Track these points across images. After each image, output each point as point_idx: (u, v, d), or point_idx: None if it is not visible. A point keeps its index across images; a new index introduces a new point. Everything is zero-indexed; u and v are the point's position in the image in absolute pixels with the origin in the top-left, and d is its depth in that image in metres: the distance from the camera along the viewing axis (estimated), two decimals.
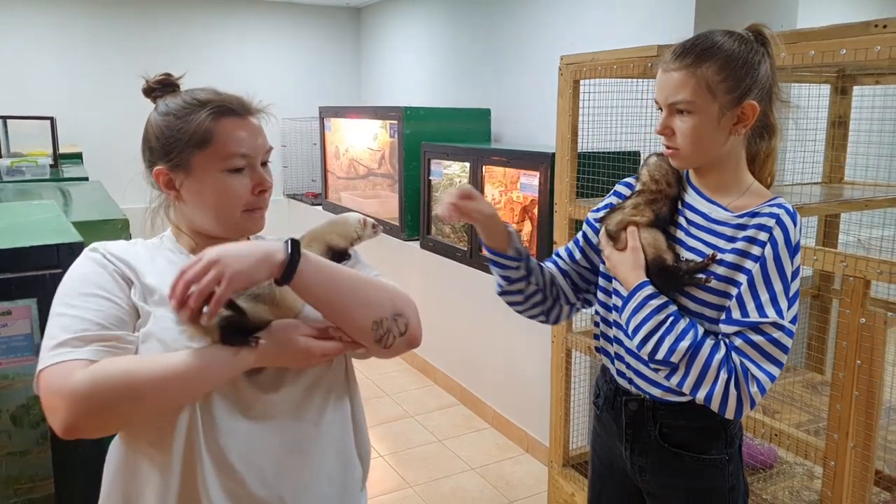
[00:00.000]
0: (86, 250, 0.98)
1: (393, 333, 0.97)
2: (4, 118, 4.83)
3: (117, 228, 1.83)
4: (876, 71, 2.18)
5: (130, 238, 1.85)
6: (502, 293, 1.35)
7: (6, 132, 4.89)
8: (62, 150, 4.19)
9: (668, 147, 1.17)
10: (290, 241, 0.89)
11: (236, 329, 0.89)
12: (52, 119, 4.95)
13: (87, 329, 0.88)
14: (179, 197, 1.01)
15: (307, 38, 5.96)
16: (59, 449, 1.25)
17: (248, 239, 1.06)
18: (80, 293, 0.91)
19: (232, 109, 0.99)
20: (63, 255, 1.22)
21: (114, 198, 2.28)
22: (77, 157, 4.38)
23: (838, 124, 2.44)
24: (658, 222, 1.21)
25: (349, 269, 0.99)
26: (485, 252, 1.32)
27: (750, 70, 1.10)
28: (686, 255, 1.18)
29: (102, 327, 0.89)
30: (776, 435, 1.71)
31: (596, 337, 1.37)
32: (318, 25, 6.00)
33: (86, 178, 3.25)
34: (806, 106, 2.24)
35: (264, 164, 1.03)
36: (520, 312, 1.38)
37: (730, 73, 1.09)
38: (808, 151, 2.31)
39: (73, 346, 0.86)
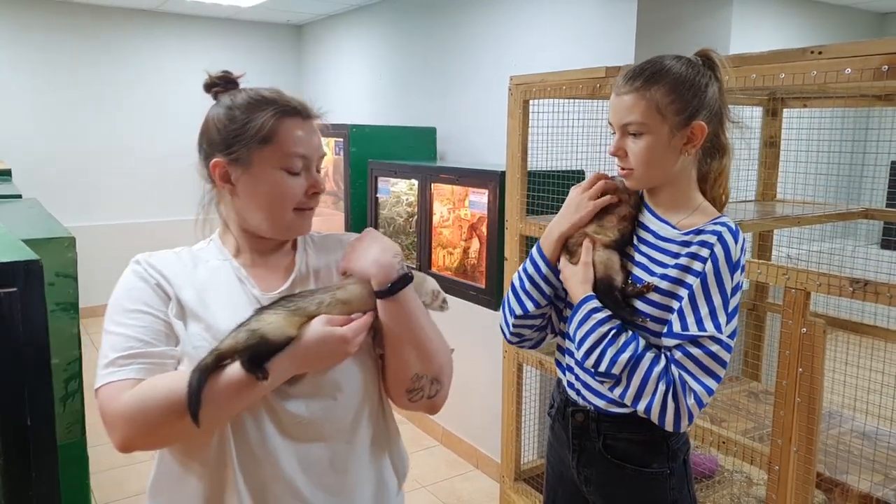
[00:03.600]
0: (131, 262, 1.02)
1: (424, 393, 1.02)
2: None
3: (63, 247, 1.75)
4: (803, 95, 2.32)
5: (76, 256, 1.75)
6: (530, 316, 1.31)
7: None
8: None
9: (622, 168, 1.21)
10: (405, 265, 0.97)
11: (258, 356, 0.90)
12: None
13: (132, 347, 0.93)
14: (234, 191, 1.02)
15: (248, 54, 5.86)
16: (12, 474, 1.17)
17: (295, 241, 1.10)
18: (125, 309, 0.96)
19: (296, 110, 1.01)
20: (19, 274, 1.15)
21: (68, 215, 2.16)
22: (6, 174, 4.15)
23: (770, 144, 2.58)
24: (622, 242, 1.24)
25: (429, 318, 1.03)
26: (546, 271, 1.29)
27: (697, 92, 1.15)
28: (635, 271, 1.22)
29: (147, 344, 0.94)
30: (724, 442, 1.77)
31: (558, 349, 1.39)
32: (258, 42, 5.91)
33: (18, 196, 3.08)
34: (740, 126, 2.36)
35: (318, 168, 1.05)
36: (524, 341, 1.37)
37: (678, 95, 1.14)
38: (742, 170, 2.42)
39: (119, 366, 0.92)
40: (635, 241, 1.24)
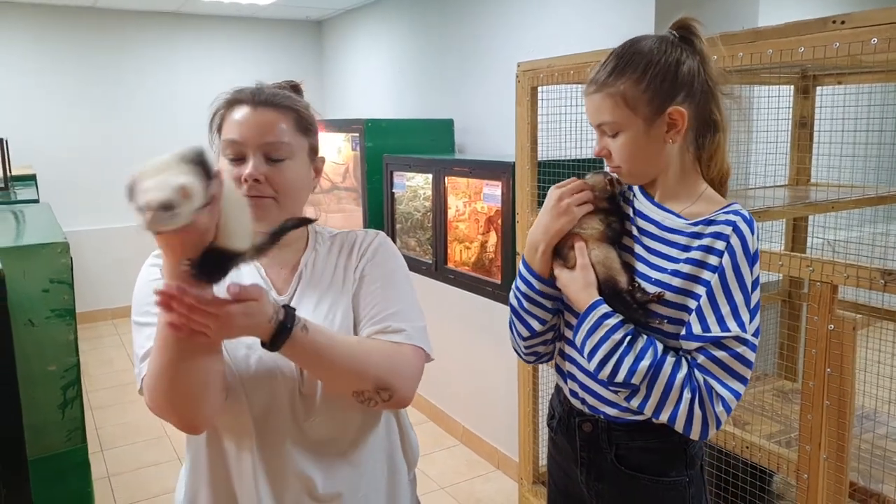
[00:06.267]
0: (151, 256, 1.03)
1: (375, 401, 0.98)
2: None
3: (56, 252, 1.74)
4: (837, 70, 2.16)
5: (70, 262, 1.73)
6: (539, 334, 1.21)
7: None
8: (14, 171, 4.05)
9: (611, 168, 1.13)
10: (285, 310, 0.88)
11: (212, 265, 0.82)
12: (2, 140, 4.78)
13: None
14: None
15: (269, 52, 5.85)
16: None
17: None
18: (147, 302, 0.97)
19: (241, 99, 1.01)
20: None
21: (66, 219, 2.17)
22: (30, 179, 4.24)
23: (802, 125, 2.41)
24: (611, 236, 1.14)
25: (343, 341, 0.98)
26: (540, 287, 1.18)
27: (667, 75, 1.05)
28: (639, 266, 1.12)
29: None
30: (747, 447, 1.65)
31: (559, 353, 1.29)
32: (279, 40, 5.90)
33: (37, 201, 3.13)
34: (767, 107, 2.21)
35: (271, 157, 1.00)
36: (541, 358, 1.27)
37: (647, 84, 1.05)
38: (771, 153, 2.27)
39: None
40: (636, 233, 1.14)
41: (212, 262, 0.80)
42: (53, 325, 1.66)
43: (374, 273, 1.08)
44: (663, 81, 1.04)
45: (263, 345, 0.88)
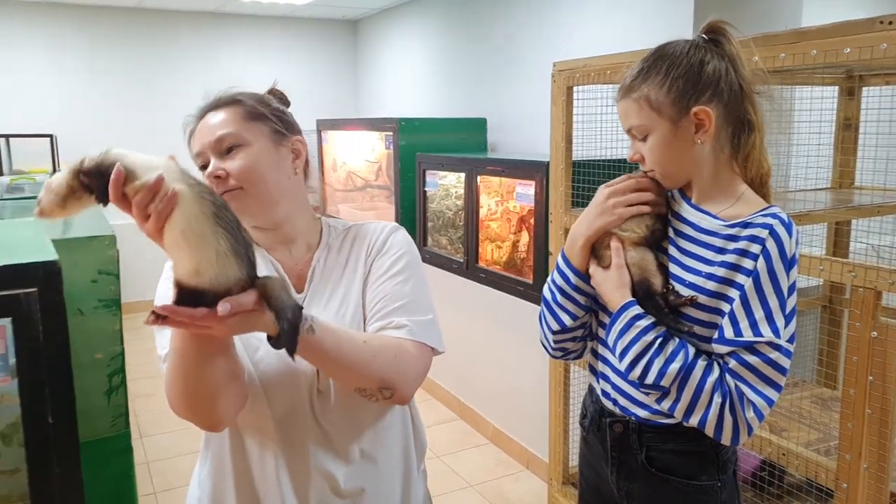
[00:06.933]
0: (166, 268, 1.05)
1: (376, 398, 0.99)
2: (6, 136, 4.82)
3: (104, 245, 1.80)
4: (885, 71, 2.10)
5: (117, 254, 1.79)
6: (569, 329, 1.21)
7: (8, 150, 4.88)
8: (62, 167, 4.19)
9: (646, 172, 1.13)
10: (295, 313, 0.86)
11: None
12: (51, 136, 4.94)
13: None
14: None
15: (305, 51, 5.93)
16: (36, 471, 1.20)
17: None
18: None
19: (199, 116, 1.06)
20: (38, 274, 1.17)
21: (111, 213, 2.23)
22: None
23: (846, 127, 2.36)
24: (651, 241, 1.12)
25: (350, 341, 0.96)
26: (576, 281, 1.17)
27: (690, 76, 1.05)
28: (673, 268, 1.11)
29: None
30: (784, 455, 1.62)
31: (592, 353, 1.30)
32: (315, 39, 5.97)
33: None
34: (810, 109, 2.16)
35: (223, 151, 1.02)
36: (569, 354, 1.27)
37: (669, 85, 1.05)
38: (813, 156, 2.23)
39: None
40: (672, 235, 1.13)
41: (184, 298, 0.82)
42: (101, 315, 1.72)
43: (383, 265, 1.08)
44: (686, 82, 1.04)
45: (269, 339, 0.88)
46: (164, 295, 1.01)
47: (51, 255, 1.24)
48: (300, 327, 0.86)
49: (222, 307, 0.79)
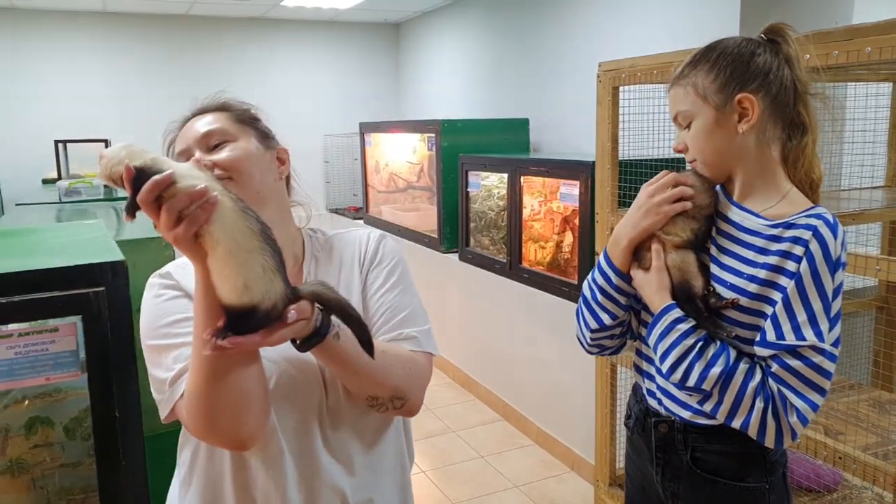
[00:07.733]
0: (147, 285, 1.05)
1: (386, 407, 1.02)
2: (64, 142, 5.03)
3: (161, 245, 1.87)
4: None
5: (174, 254, 1.87)
6: (607, 328, 1.21)
7: (66, 155, 5.09)
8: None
9: (689, 162, 1.13)
10: (322, 316, 0.89)
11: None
12: (106, 141, 5.14)
13: (188, 357, 0.94)
14: None
15: (348, 55, 6.02)
16: (104, 462, 1.25)
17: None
18: (167, 322, 0.99)
19: (183, 122, 1.06)
20: (106, 274, 1.24)
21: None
22: None
23: None
24: (694, 244, 1.12)
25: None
26: (617, 281, 1.18)
27: (738, 64, 1.05)
28: (714, 269, 1.10)
29: None
30: (840, 458, 1.59)
31: (637, 352, 1.29)
32: (357, 42, 6.05)
33: None
34: (864, 106, 2.11)
35: (211, 146, 1.01)
36: (604, 350, 1.27)
37: (718, 71, 1.06)
38: (867, 154, 2.17)
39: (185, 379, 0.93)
40: (713, 234, 1.13)
41: (234, 321, 0.80)
42: None
43: (380, 276, 1.09)
44: (734, 70, 1.05)
45: (293, 342, 0.88)
46: (159, 301, 1.02)
47: (117, 255, 1.31)
48: (327, 333, 0.89)
49: (291, 314, 0.82)
